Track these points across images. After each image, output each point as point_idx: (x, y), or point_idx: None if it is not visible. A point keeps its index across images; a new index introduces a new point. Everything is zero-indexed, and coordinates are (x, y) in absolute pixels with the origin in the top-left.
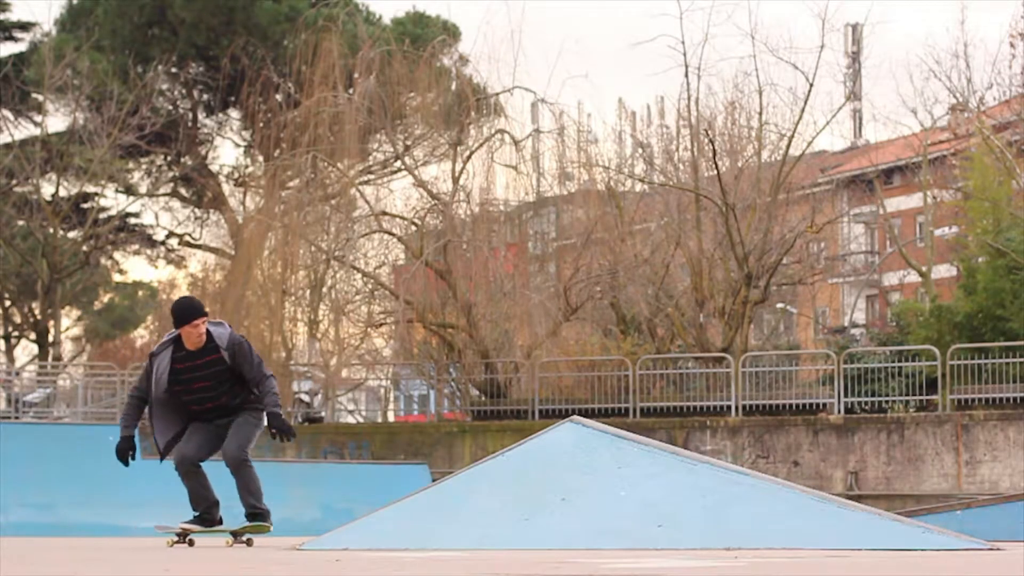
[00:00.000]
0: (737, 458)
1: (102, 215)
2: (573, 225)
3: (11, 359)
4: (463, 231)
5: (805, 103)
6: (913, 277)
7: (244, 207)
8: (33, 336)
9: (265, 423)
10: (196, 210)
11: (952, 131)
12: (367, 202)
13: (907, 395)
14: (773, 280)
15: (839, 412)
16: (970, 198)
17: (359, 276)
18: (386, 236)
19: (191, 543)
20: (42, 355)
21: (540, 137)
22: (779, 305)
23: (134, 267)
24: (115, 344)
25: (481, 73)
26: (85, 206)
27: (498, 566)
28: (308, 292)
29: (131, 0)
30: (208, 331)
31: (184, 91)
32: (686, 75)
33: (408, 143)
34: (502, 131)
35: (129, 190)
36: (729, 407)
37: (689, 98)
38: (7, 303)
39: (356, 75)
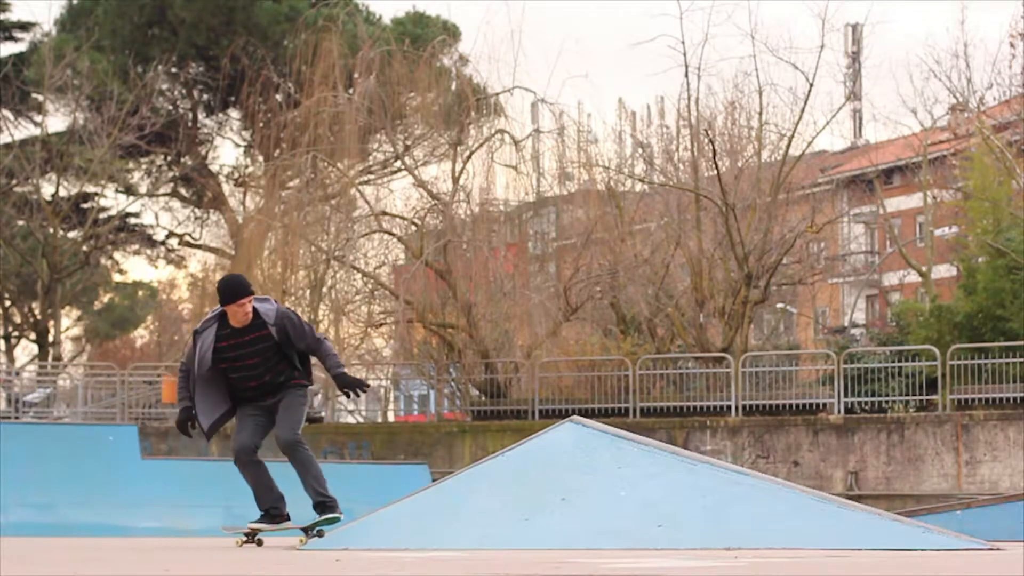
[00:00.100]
0: (737, 458)
1: (102, 215)
2: (573, 225)
3: (11, 359)
4: (463, 231)
5: (805, 103)
6: (913, 277)
7: (244, 207)
8: (33, 336)
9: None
10: (196, 210)
11: (952, 131)
12: (367, 202)
13: (907, 395)
14: (773, 280)
15: (839, 412)
16: (970, 198)
17: (359, 276)
18: (386, 236)
19: (260, 543)
20: (42, 355)
21: (540, 137)
22: (779, 305)
23: (134, 267)
24: (115, 344)
25: (481, 73)
26: (85, 206)
27: (498, 566)
28: (308, 292)
29: (131, 0)
30: (254, 308)
31: (184, 91)
32: (686, 75)
33: (408, 143)
34: (502, 131)
35: (129, 190)
36: (729, 407)
37: (689, 98)
38: (7, 303)
39: (356, 75)
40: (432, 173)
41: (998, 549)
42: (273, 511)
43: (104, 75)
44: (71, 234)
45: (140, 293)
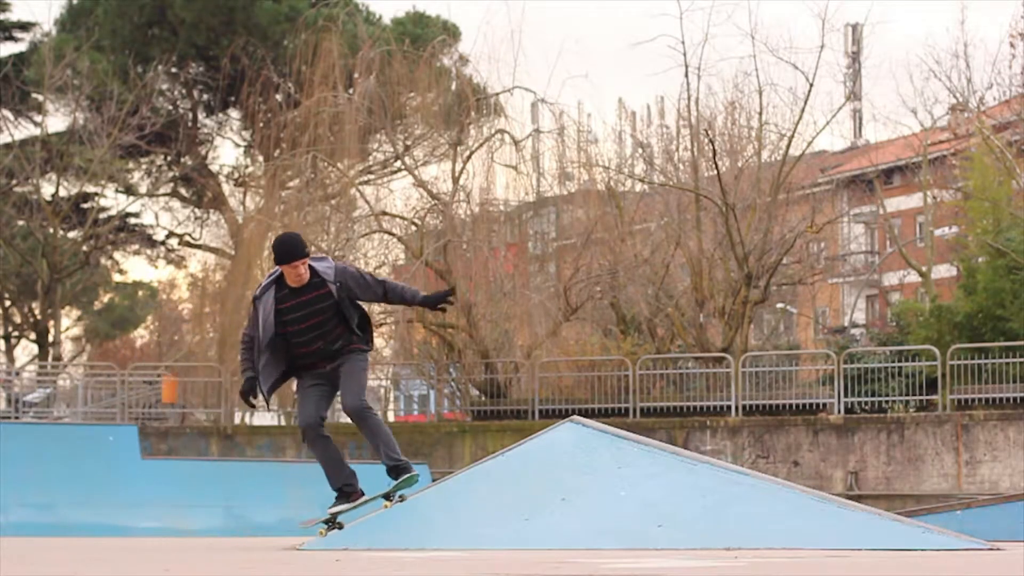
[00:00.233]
0: (737, 458)
1: (102, 215)
2: (573, 225)
3: (11, 359)
4: (463, 231)
5: (805, 103)
6: (913, 277)
7: (244, 207)
8: (33, 336)
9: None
10: (196, 210)
11: (952, 131)
12: (367, 202)
13: (907, 395)
14: (773, 280)
15: (839, 412)
16: (970, 198)
17: None
18: (386, 236)
19: (340, 526)
20: (42, 355)
21: (540, 137)
22: (779, 305)
23: (134, 267)
24: (115, 344)
25: (481, 73)
26: (85, 206)
27: (498, 566)
28: None
29: (131, 0)
30: (311, 267)
31: (184, 91)
32: (686, 75)
33: (408, 143)
34: (502, 131)
35: (129, 190)
36: (729, 407)
37: (689, 98)
38: (7, 303)
39: (356, 75)
40: (432, 173)
41: (998, 549)
42: (347, 488)
43: (104, 75)
44: (71, 234)
45: (140, 293)
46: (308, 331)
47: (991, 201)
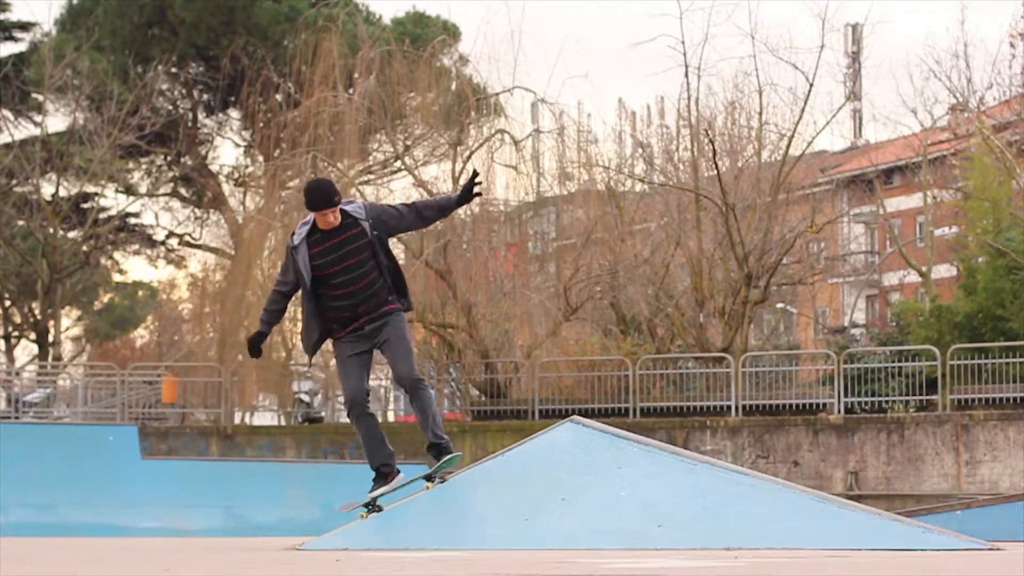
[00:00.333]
0: (737, 458)
1: (102, 215)
2: (573, 225)
3: (11, 359)
4: (463, 231)
5: (805, 103)
6: (913, 277)
7: (244, 207)
8: (33, 336)
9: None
10: (196, 210)
11: (952, 131)
12: None
13: (907, 395)
14: (773, 280)
15: (839, 412)
16: (970, 198)
17: None
18: None
19: (379, 508)
20: (42, 355)
21: (540, 137)
22: (779, 305)
23: (134, 267)
24: (115, 344)
25: (481, 73)
26: (85, 206)
27: (498, 566)
28: None
29: (131, 0)
30: (342, 210)
31: (184, 91)
32: (686, 75)
33: (408, 143)
34: (502, 131)
35: (129, 190)
36: (729, 407)
37: (689, 98)
38: (7, 303)
39: (356, 75)
40: (432, 173)
41: (998, 549)
42: (384, 469)
43: (104, 75)
44: (71, 234)
45: (140, 293)
46: (343, 273)
47: (991, 201)
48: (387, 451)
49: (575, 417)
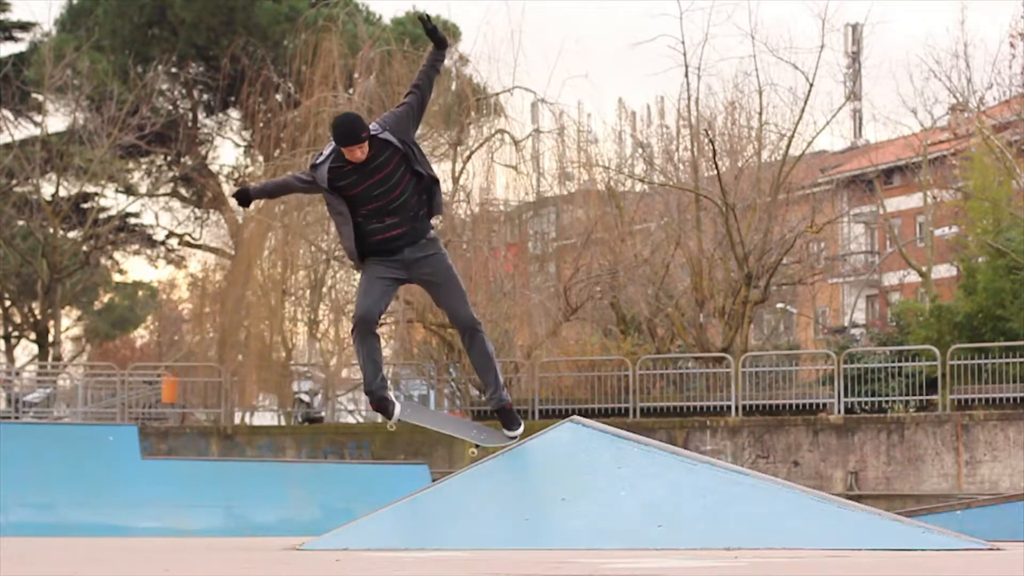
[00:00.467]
0: (737, 458)
1: (102, 215)
2: (573, 225)
3: (11, 359)
4: (463, 231)
5: (805, 103)
6: (913, 277)
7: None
8: (33, 336)
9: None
10: (196, 210)
11: (952, 131)
12: None
13: (907, 395)
14: (773, 280)
15: (839, 412)
16: (970, 198)
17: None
18: None
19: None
20: (42, 355)
21: (540, 137)
22: (779, 305)
23: (134, 267)
24: (115, 344)
25: (481, 73)
26: (85, 206)
27: (498, 566)
28: (308, 292)
29: (131, 0)
30: (370, 141)
31: (184, 91)
32: (686, 75)
33: None
34: (502, 131)
35: (129, 190)
36: (729, 407)
37: (689, 98)
38: (7, 303)
39: (356, 75)
40: None
41: (998, 549)
42: (380, 392)
43: (104, 75)
44: (71, 234)
45: (140, 293)
46: (377, 186)
47: (991, 201)
48: (382, 377)
49: (575, 417)
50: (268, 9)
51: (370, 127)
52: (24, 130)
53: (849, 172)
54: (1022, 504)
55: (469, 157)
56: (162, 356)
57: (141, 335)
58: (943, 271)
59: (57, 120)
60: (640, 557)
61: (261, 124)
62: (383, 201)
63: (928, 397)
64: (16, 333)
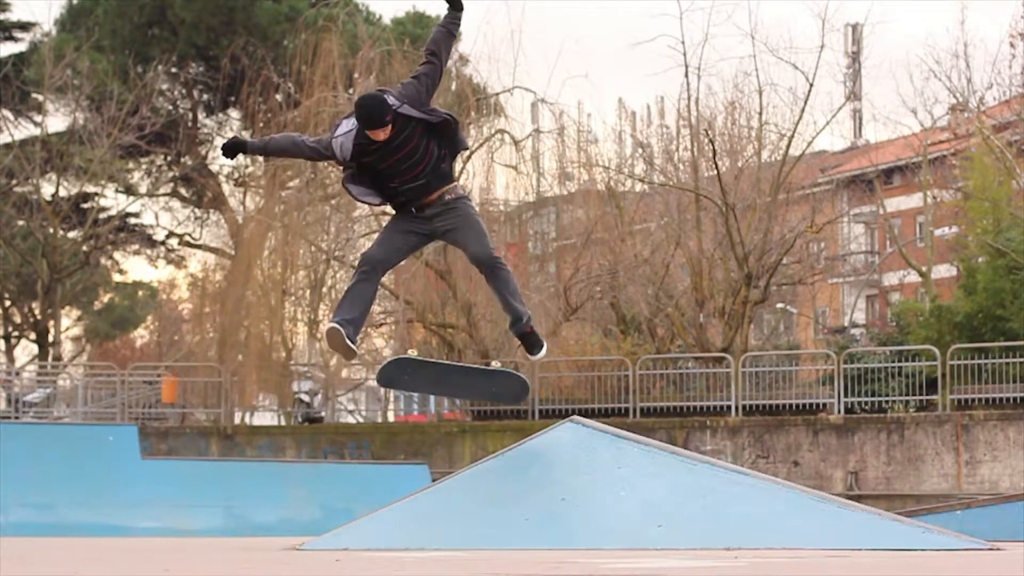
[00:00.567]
0: (737, 458)
1: (102, 215)
2: (573, 225)
3: (11, 359)
4: None
5: (805, 103)
6: (913, 277)
7: (244, 207)
8: (33, 336)
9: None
10: (196, 210)
11: (952, 131)
12: None
13: (907, 395)
14: (773, 280)
15: (839, 412)
16: (970, 198)
17: None
18: None
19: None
20: (42, 355)
21: (540, 137)
22: (779, 305)
23: (134, 267)
24: (115, 344)
25: (481, 73)
26: (85, 206)
27: (498, 566)
28: (308, 292)
29: (131, 0)
30: (393, 119)
31: (184, 91)
32: (686, 75)
33: None
34: (502, 131)
35: (129, 190)
36: (729, 407)
37: (689, 98)
38: (7, 303)
39: (356, 75)
40: None
41: (998, 549)
42: (346, 329)
43: (104, 75)
44: (71, 234)
45: (140, 293)
46: (401, 162)
47: (991, 201)
48: (360, 320)
49: (575, 417)
50: (268, 9)
51: (389, 101)
52: (24, 130)
53: (849, 172)
54: (1022, 504)
55: (469, 157)
56: (162, 356)
57: (141, 335)
58: (943, 271)
59: (57, 120)
60: (640, 557)
61: (261, 124)
62: (410, 174)
63: (928, 397)
64: (16, 333)
